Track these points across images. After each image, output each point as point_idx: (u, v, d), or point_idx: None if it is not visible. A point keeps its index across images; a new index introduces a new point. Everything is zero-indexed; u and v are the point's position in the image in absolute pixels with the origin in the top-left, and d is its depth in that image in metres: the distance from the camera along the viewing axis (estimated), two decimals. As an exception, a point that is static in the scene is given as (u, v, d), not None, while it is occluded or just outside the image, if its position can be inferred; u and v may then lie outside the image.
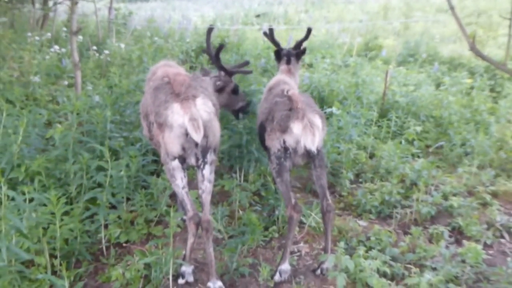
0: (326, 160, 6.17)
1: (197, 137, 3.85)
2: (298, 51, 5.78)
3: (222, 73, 5.74)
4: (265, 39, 13.99)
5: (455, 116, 8.31)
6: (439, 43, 15.70)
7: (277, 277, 4.40)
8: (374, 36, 16.02)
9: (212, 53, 5.71)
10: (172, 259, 4.13)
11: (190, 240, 4.21)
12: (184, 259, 4.34)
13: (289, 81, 5.36)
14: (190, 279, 4.33)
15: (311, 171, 4.58)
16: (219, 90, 5.65)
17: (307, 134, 4.22)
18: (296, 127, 4.25)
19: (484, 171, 6.59)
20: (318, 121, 4.31)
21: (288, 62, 5.72)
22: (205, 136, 4.00)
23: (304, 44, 5.89)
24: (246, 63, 5.91)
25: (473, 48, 4.98)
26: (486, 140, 7.01)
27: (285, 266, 4.43)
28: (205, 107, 4.01)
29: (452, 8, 5.28)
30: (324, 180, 4.49)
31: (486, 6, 18.88)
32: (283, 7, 27.18)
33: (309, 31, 5.90)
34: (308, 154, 4.40)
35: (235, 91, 5.81)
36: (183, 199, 4.15)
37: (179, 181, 4.12)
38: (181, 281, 4.28)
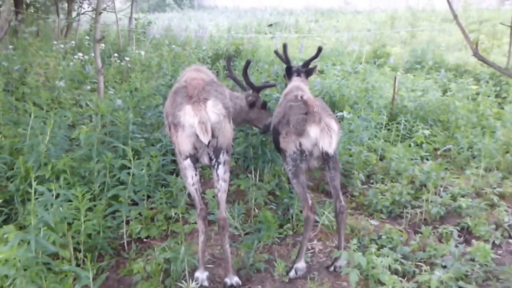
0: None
1: (204, 138, 3.87)
2: (308, 69, 5.74)
3: (251, 90, 5.75)
4: (278, 46, 14.11)
5: (462, 120, 8.23)
6: (445, 51, 15.59)
7: (292, 274, 4.35)
8: (382, 44, 15.94)
9: (235, 76, 5.81)
10: (188, 255, 4.14)
11: (201, 237, 4.14)
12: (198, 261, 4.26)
13: (304, 87, 5.31)
14: (205, 284, 4.20)
15: (325, 173, 4.51)
16: (251, 105, 5.66)
17: (325, 137, 4.15)
18: (313, 131, 4.18)
19: (491, 174, 6.48)
20: (334, 124, 4.25)
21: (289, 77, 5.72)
22: (215, 137, 4.02)
23: (314, 63, 5.86)
24: (248, 62, 5.82)
25: (476, 54, 4.93)
26: (492, 143, 6.89)
27: (301, 264, 4.38)
28: (214, 109, 4.01)
29: (455, 16, 5.24)
30: (337, 182, 4.43)
31: (489, 15, 18.76)
32: (294, 17, 27.21)
33: (319, 50, 5.85)
34: (323, 156, 4.35)
35: (264, 106, 5.80)
36: (193, 195, 4.15)
37: (190, 179, 4.13)
38: (194, 285, 4.14)
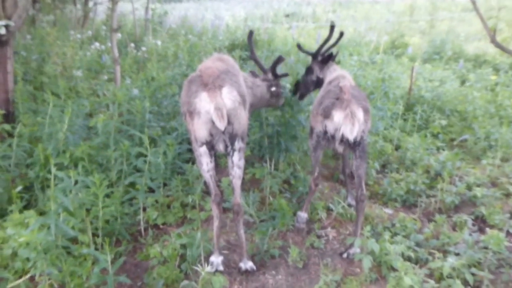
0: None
1: (221, 125, 3.92)
2: (329, 54, 5.79)
3: (272, 77, 5.77)
4: (295, 36, 14.13)
5: (479, 110, 8.22)
6: (464, 41, 15.47)
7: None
8: (400, 34, 15.85)
9: (257, 57, 5.78)
10: (204, 241, 4.23)
11: (215, 223, 4.25)
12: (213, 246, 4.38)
13: (347, 76, 5.39)
14: (220, 268, 4.32)
15: (352, 161, 4.73)
16: (275, 95, 5.72)
17: (347, 123, 4.28)
18: (337, 116, 4.33)
19: (507, 163, 6.50)
20: (360, 113, 4.33)
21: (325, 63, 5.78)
22: (230, 123, 4.06)
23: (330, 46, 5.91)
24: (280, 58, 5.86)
25: (493, 41, 4.94)
26: (509, 133, 6.90)
27: (302, 214, 4.97)
28: (229, 96, 4.05)
29: (474, 1, 5.26)
30: (362, 171, 4.52)
31: (510, 4, 18.56)
32: (311, 7, 27.10)
33: (332, 28, 5.85)
34: (347, 143, 4.45)
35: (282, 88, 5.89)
36: (208, 181, 4.23)
37: (205, 165, 4.19)
38: (209, 269, 4.24)
